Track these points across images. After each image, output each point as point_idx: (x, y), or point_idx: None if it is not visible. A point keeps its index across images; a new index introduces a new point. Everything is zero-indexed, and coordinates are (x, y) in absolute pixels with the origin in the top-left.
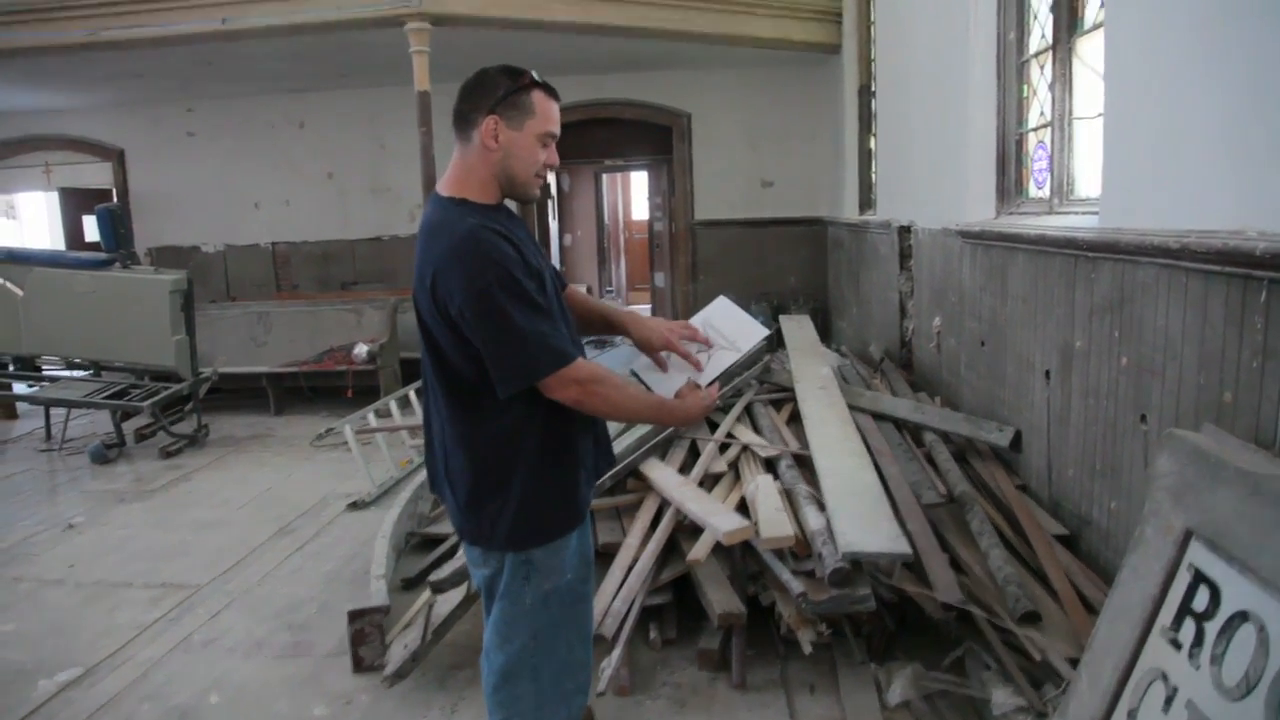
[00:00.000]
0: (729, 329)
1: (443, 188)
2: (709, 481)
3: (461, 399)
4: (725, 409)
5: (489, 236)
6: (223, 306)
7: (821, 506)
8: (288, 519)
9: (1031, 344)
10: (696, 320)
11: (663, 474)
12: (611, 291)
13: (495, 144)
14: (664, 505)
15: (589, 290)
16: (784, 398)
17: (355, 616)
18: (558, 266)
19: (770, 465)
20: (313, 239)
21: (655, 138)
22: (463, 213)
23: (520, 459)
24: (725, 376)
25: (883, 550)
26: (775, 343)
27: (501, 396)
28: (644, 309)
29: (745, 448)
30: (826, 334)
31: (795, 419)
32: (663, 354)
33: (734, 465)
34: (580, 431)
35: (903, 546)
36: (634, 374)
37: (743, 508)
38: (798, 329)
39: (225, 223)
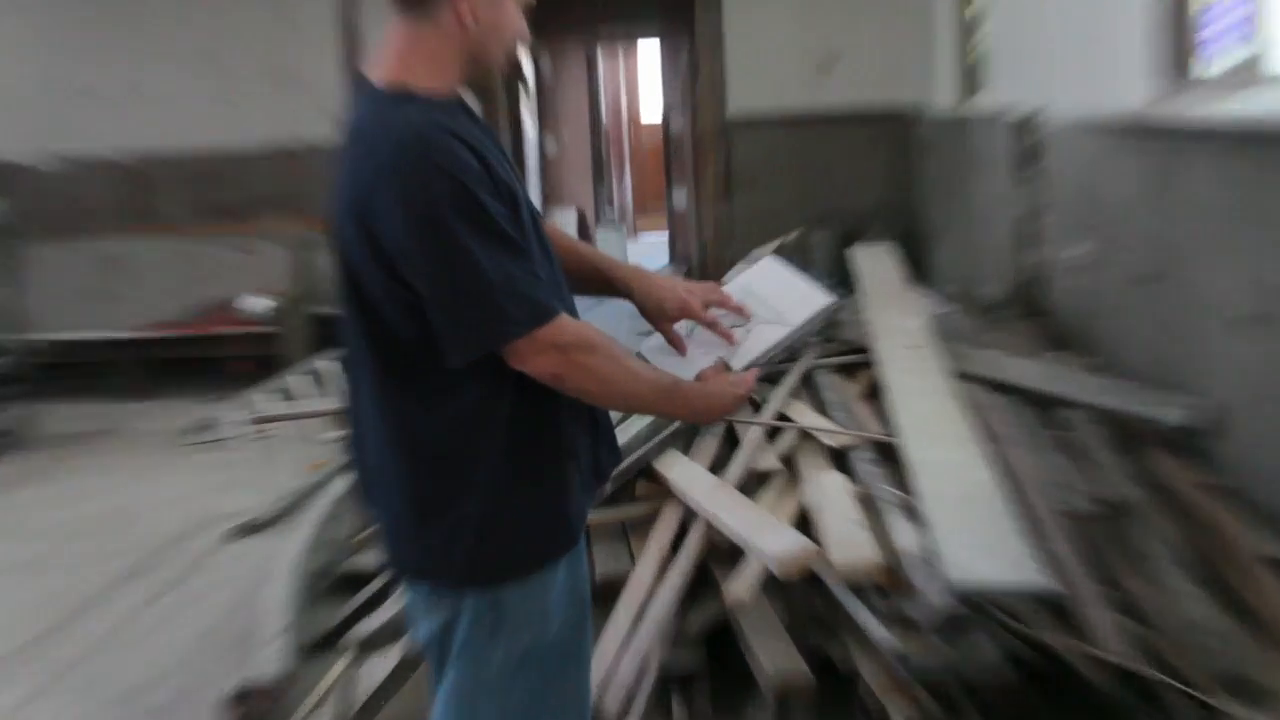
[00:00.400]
0: (777, 297)
1: (376, 74)
2: (754, 482)
3: (399, 372)
4: (774, 379)
5: (442, 140)
6: (54, 246)
7: (918, 519)
8: (143, 553)
9: (1224, 281)
10: (734, 288)
11: (688, 474)
12: (613, 219)
13: (474, 23)
14: (689, 519)
15: (581, 221)
16: (858, 362)
17: (241, 698)
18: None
19: (840, 459)
20: (185, 148)
21: (669, 3)
22: (405, 109)
23: (483, 457)
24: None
25: (1012, 583)
26: (846, 287)
27: (453, 366)
28: (659, 239)
29: (805, 434)
30: (918, 270)
31: (876, 392)
32: (681, 327)
33: (789, 459)
34: (570, 416)
35: (1042, 578)
36: (639, 357)
37: (804, 522)
38: (876, 265)
39: (52, 126)
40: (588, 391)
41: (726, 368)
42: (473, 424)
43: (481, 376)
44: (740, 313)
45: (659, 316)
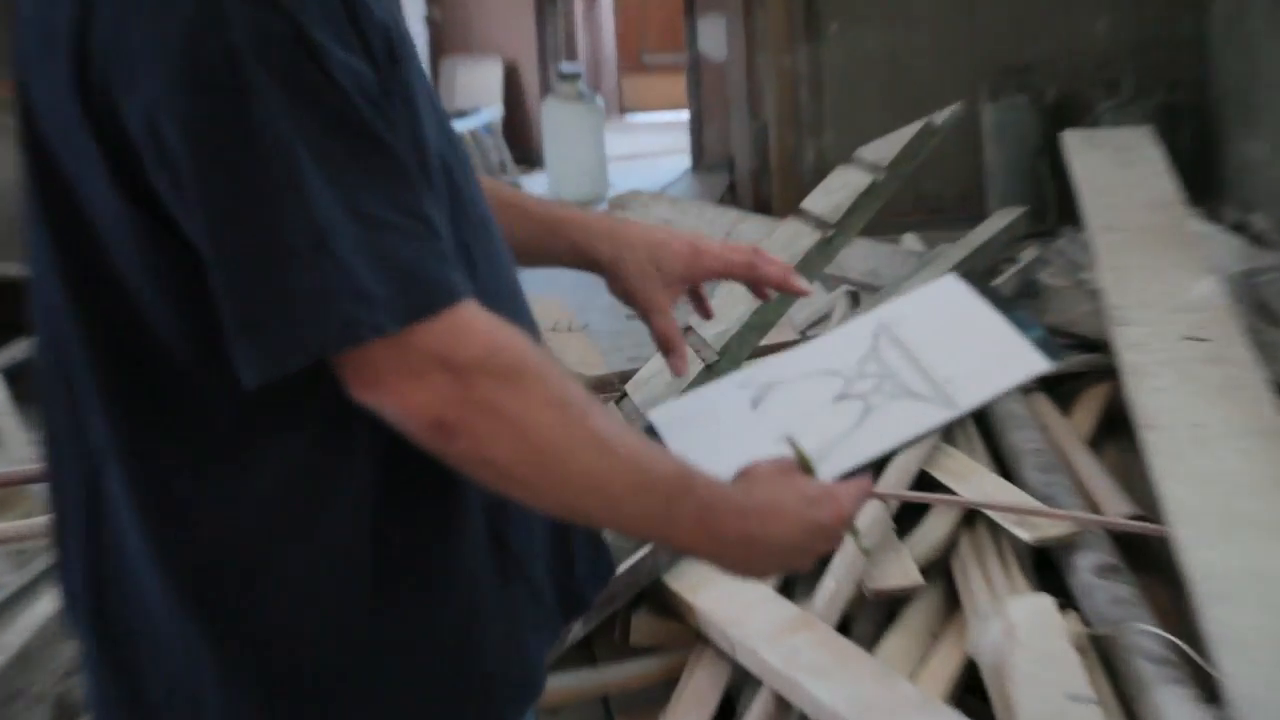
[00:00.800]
0: (941, 352)
1: None
2: (871, 615)
3: (156, 404)
4: None
5: None
6: None
7: (1212, 691)
8: None
9: None
10: (863, 326)
11: (734, 600)
12: (574, 82)
13: None
14: (740, 688)
15: (510, 84)
16: (1081, 370)
17: None
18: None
19: (1046, 565)
20: None
21: None
22: None
23: (326, 575)
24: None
25: None
26: (1049, 219)
27: (250, 384)
28: (667, 125)
29: (972, 514)
30: (1204, 180)
31: (1119, 429)
32: (737, 390)
33: (940, 566)
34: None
35: None
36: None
37: (972, 692)
38: (1117, 171)
39: None
40: (497, 465)
41: (805, 467)
42: (302, 508)
43: (318, 412)
44: (790, 286)
45: (646, 284)
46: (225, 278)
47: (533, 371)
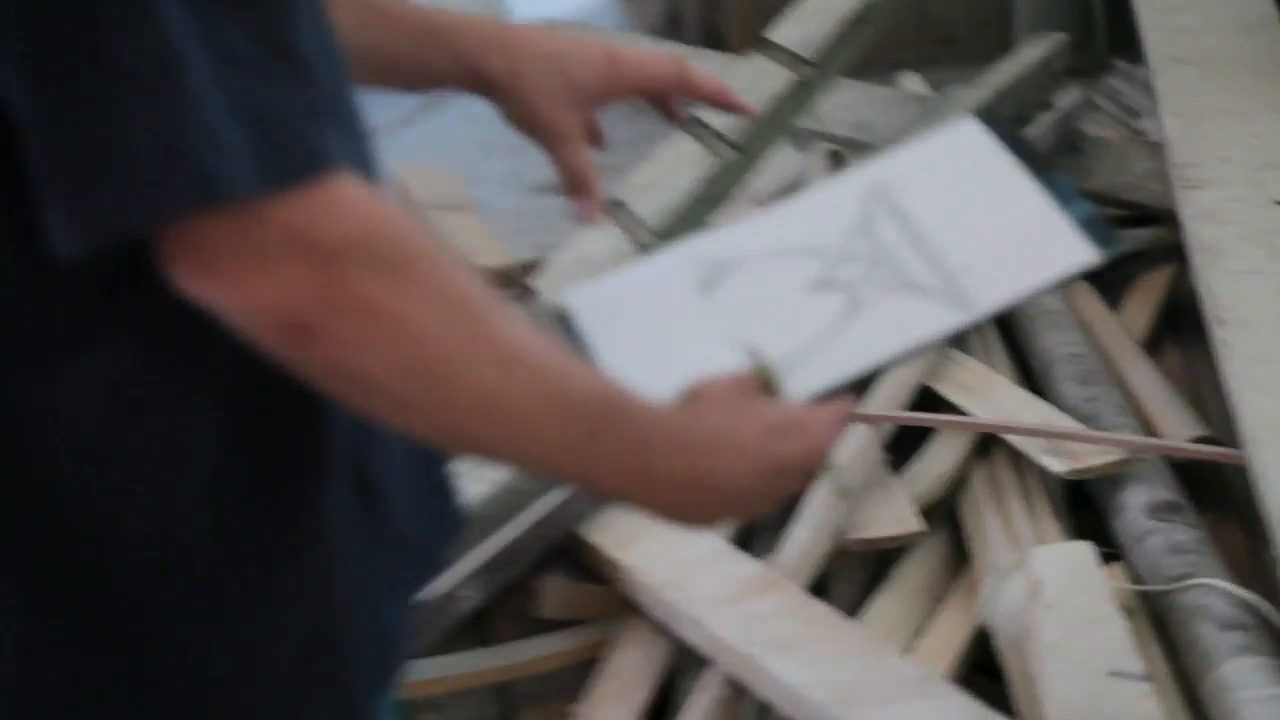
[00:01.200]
0: (959, 230)
1: None
2: (855, 571)
3: None
4: None
5: None
6: None
7: None
8: None
9: None
10: (859, 185)
11: (675, 555)
12: None
13: None
14: (682, 663)
15: None
16: (1133, 247)
17: None
18: None
19: (1080, 502)
20: None
21: None
22: None
23: (156, 516)
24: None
25: None
26: (1096, 49)
27: (66, 255)
28: None
29: (987, 440)
30: None
31: (1181, 325)
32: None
33: (946, 508)
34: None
35: None
36: (561, 323)
37: (985, 665)
38: None
39: None
40: (368, 378)
41: (767, 385)
42: (119, 431)
43: (144, 309)
44: (731, 101)
45: (552, 104)
46: (37, 112)
47: (418, 259)
